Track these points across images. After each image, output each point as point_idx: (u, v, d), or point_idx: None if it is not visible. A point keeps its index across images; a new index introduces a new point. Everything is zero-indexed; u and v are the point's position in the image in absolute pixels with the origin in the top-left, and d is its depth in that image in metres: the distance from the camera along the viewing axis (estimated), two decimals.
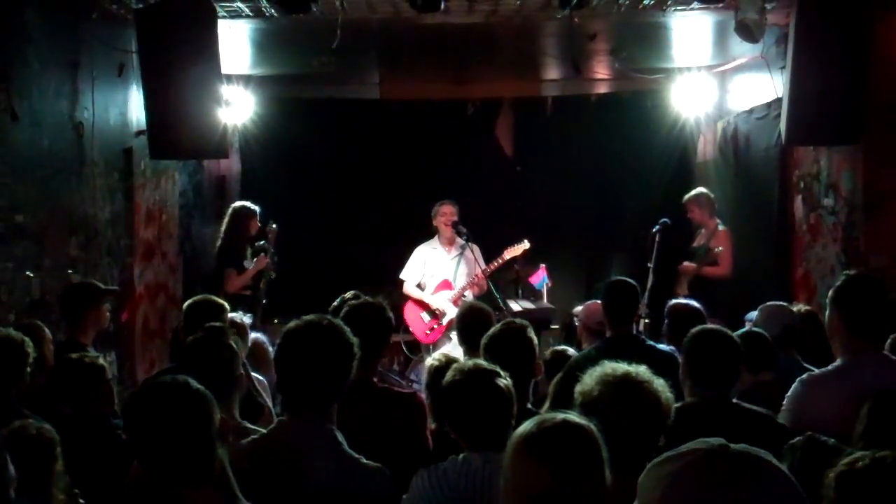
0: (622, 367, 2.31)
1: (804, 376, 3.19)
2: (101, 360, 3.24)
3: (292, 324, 2.52)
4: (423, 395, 3.55)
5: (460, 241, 6.70)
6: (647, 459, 1.38)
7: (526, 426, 1.82)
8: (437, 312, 6.61)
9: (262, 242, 6.64)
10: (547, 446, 1.75)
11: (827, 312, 3.24)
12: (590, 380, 2.31)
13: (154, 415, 1.94)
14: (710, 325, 3.36)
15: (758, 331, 3.77)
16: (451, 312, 6.51)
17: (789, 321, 4.02)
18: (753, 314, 4.42)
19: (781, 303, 4.40)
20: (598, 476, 1.74)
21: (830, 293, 3.23)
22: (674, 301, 4.56)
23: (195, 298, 4.15)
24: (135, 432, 1.98)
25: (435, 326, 6.63)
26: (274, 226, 6.62)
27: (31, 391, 3.31)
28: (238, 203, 6.76)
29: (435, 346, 6.53)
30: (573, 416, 1.83)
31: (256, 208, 6.64)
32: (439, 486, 2.46)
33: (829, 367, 3.18)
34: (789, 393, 3.15)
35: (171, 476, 1.92)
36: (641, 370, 2.30)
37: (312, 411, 2.43)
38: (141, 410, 1.97)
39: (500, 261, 6.65)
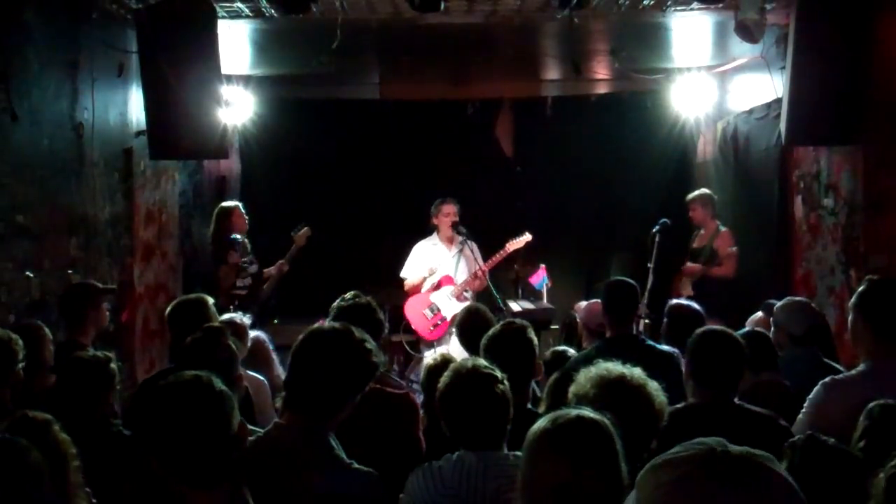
0: (617, 368, 2.32)
1: (827, 380, 3.18)
2: (113, 364, 3.23)
3: (318, 326, 2.50)
4: (419, 395, 3.55)
5: (459, 237, 6.70)
6: (639, 462, 1.38)
7: (541, 423, 1.84)
8: (438, 309, 6.60)
9: (235, 236, 6.49)
10: (565, 440, 1.78)
11: (850, 317, 3.25)
12: (584, 380, 2.32)
13: (174, 412, 1.90)
14: (713, 326, 3.36)
15: (760, 331, 3.76)
16: (454, 308, 6.53)
17: (818, 320, 4.03)
18: (774, 303, 4.39)
19: (804, 299, 4.40)
20: (616, 468, 1.77)
21: (854, 298, 3.24)
22: (674, 301, 4.56)
23: (173, 304, 4.14)
24: (152, 429, 1.94)
25: (439, 322, 6.62)
26: (305, 229, 6.61)
27: (31, 392, 3.31)
28: (220, 204, 6.77)
29: (439, 342, 6.54)
30: (587, 412, 1.85)
31: (235, 203, 6.64)
32: (434, 485, 2.47)
33: (853, 371, 3.19)
34: (811, 395, 3.14)
35: (182, 476, 1.90)
36: (636, 373, 2.30)
37: (314, 416, 2.42)
38: (161, 407, 1.93)
39: (503, 253, 6.66)
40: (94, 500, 2.52)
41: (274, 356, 4.43)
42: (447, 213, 6.65)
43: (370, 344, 2.51)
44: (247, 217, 6.61)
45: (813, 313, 4.12)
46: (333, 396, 2.42)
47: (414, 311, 6.71)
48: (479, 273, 6.53)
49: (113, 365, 3.23)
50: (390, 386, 3.43)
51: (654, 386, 2.27)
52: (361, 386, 2.47)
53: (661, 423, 2.24)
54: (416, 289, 6.74)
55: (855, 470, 2.12)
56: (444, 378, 2.62)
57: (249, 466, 2.27)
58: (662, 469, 1.27)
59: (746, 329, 3.88)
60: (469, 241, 6.64)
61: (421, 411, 3.40)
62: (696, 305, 4.39)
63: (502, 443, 2.52)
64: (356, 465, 2.42)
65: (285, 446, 2.39)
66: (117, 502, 2.74)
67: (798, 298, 4.39)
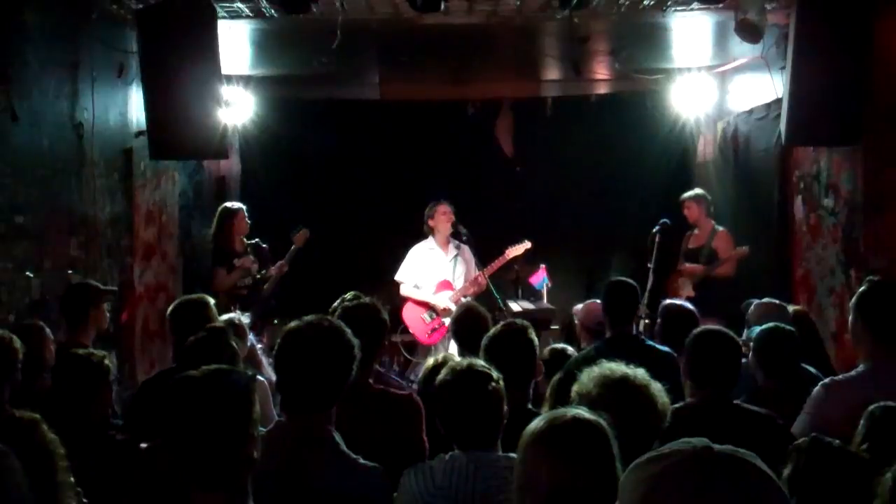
0: (620, 368, 2.32)
1: (826, 380, 3.18)
2: (107, 361, 3.24)
3: (293, 324, 2.52)
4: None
5: (454, 241, 6.68)
6: None
7: (537, 423, 1.83)
8: (439, 311, 6.57)
9: (254, 241, 6.63)
10: (559, 442, 1.77)
11: (850, 318, 3.24)
12: (587, 380, 2.32)
13: (198, 408, 1.90)
14: (711, 326, 3.36)
15: (790, 330, 3.65)
16: (452, 310, 6.48)
17: (783, 321, 4.00)
18: (752, 302, 4.42)
19: (775, 301, 4.40)
20: (610, 470, 1.75)
21: (854, 299, 3.24)
22: (667, 302, 4.56)
23: (174, 304, 4.15)
24: (173, 423, 1.94)
25: (436, 327, 6.58)
26: (303, 230, 6.63)
27: (32, 392, 3.31)
28: (223, 204, 6.78)
29: (436, 347, 6.46)
30: (583, 412, 1.84)
31: (239, 205, 6.65)
32: (425, 484, 2.48)
33: (852, 373, 3.18)
34: (811, 396, 3.14)
35: (192, 474, 1.90)
36: (640, 373, 2.30)
37: (311, 412, 2.43)
38: (188, 399, 1.92)
39: (502, 260, 6.64)
40: (84, 501, 2.53)
41: (264, 359, 4.43)
42: (443, 212, 6.61)
43: (344, 328, 2.53)
44: (249, 221, 6.62)
45: (779, 316, 4.08)
46: (326, 388, 2.43)
47: (412, 315, 6.67)
48: (480, 279, 6.52)
49: (107, 361, 3.23)
50: (392, 387, 3.43)
51: (657, 387, 2.27)
52: (349, 370, 2.48)
53: (663, 424, 2.24)
54: (414, 299, 6.70)
55: (860, 471, 2.12)
56: (440, 376, 2.63)
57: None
58: (645, 465, 1.27)
59: (771, 325, 3.74)
60: (464, 245, 6.63)
61: None
62: (689, 305, 4.39)
63: (496, 443, 2.52)
64: (362, 461, 2.44)
65: (289, 444, 2.40)
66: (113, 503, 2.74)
67: (769, 301, 4.37)
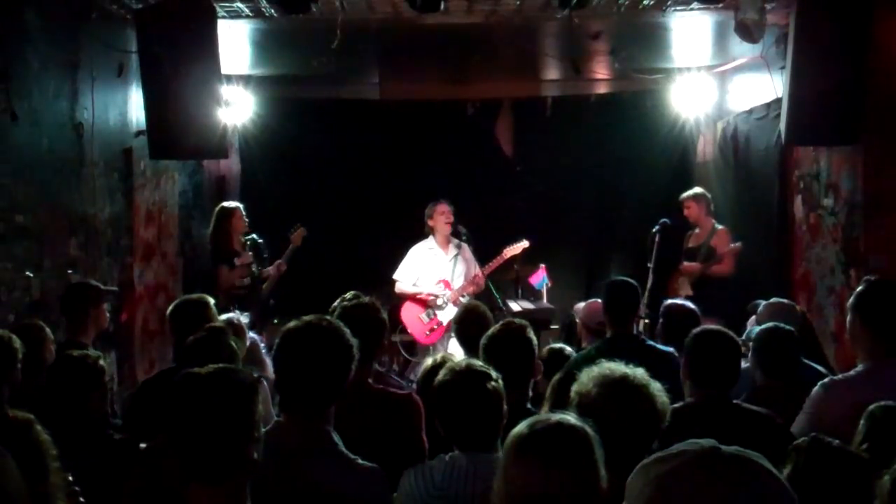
0: (620, 368, 2.31)
1: (826, 380, 3.18)
2: (101, 362, 3.24)
3: (292, 324, 2.51)
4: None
5: (455, 240, 6.69)
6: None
7: (519, 427, 1.82)
8: (435, 306, 6.57)
9: (250, 237, 6.63)
10: (538, 447, 1.75)
11: (848, 318, 3.24)
12: (587, 380, 2.31)
13: (203, 405, 1.91)
14: (711, 326, 3.36)
15: (789, 330, 3.66)
16: (450, 312, 6.49)
17: (794, 323, 4.00)
18: (760, 303, 4.42)
19: (784, 300, 4.40)
20: (592, 477, 1.73)
21: (852, 299, 3.23)
22: (669, 301, 4.56)
23: (175, 304, 4.15)
24: (182, 415, 1.94)
25: (435, 327, 6.58)
26: (300, 228, 6.63)
27: (31, 392, 3.31)
28: (220, 204, 6.79)
29: (434, 347, 6.46)
30: (568, 417, 1.83)
31: (236, 204, 6.66)
32: (424, 484, 2.48)
33: (851, 373, 3.18)
34: (810, 396, 3.14)
35: (196, 469, 1.90)
36: (639, 373, 2.30)
37: (310, 412, 2.42)
38: (188, 398, 1.94)
39: (500, 259, 6.64)
40: (81, 500, 2.52)
41: (266, 358, 4.43)
42: (442, 211, 6.62)
43: (344, 328, 2.52)
44: (246, 219, 6.62)
45: (789, 315, 4.09)
46: (325, 388, 2.43)
47: (410, 315, 6.67)
48: (477, 278, 6.52)
49: (102, 363, 3.24)
50: (392, 387, 3.43)
51: (656, 386, 2.27)
52: (348, 370, 2.47)
53: (662, 424, 2.23)
54: (408, 297, 6.71)
55: (860, 471, 2.12)
56: (439, 376, 2.63)
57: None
58: (653, 466, 1.27)
59: (771, 324, 3.73)
60: (464, 244, 6.63)
61: None
62: (691, 305, 4.40)
63: (495, 443, 2.51)
64: (360, 461, 2.43)
65: (288, 444, 2.39)
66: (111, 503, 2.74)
67: (778, 300, 4.37)
